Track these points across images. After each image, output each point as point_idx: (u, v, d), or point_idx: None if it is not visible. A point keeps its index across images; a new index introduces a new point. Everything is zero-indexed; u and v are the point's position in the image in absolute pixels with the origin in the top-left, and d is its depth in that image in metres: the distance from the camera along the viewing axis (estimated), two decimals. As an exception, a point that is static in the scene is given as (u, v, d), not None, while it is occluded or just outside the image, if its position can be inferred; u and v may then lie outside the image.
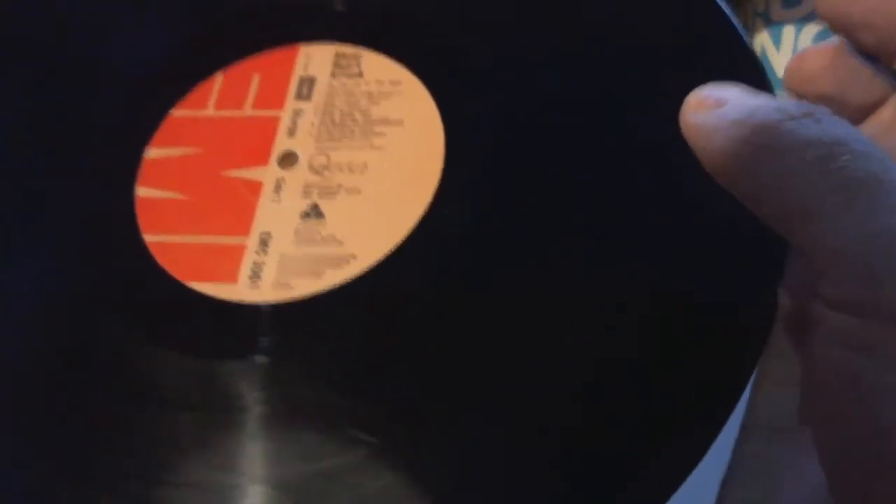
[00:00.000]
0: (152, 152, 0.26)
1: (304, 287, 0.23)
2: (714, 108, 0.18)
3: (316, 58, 0.27)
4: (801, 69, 0.22)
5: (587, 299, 0.22)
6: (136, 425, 0.22)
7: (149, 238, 0.25)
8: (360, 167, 0.25)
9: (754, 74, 0.23)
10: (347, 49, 0.27)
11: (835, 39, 0.21)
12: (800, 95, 0.22)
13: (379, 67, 0.26)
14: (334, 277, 0.23)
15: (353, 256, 0.23)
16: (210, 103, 0.27)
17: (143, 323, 0.23)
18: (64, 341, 0.24)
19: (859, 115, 0.22)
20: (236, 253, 0.24)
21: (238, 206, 0.25)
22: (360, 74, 0.26)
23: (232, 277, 0.23)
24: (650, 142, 0.23)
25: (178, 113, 0.27)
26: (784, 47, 0.41)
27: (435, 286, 0.22)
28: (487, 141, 0.24)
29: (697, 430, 0.20)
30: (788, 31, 0.42)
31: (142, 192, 0.26)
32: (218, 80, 0.27)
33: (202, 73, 0.27)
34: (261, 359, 0.22)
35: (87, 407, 0.23)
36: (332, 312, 0.23)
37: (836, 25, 0.21)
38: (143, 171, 0.26)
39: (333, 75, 0.26)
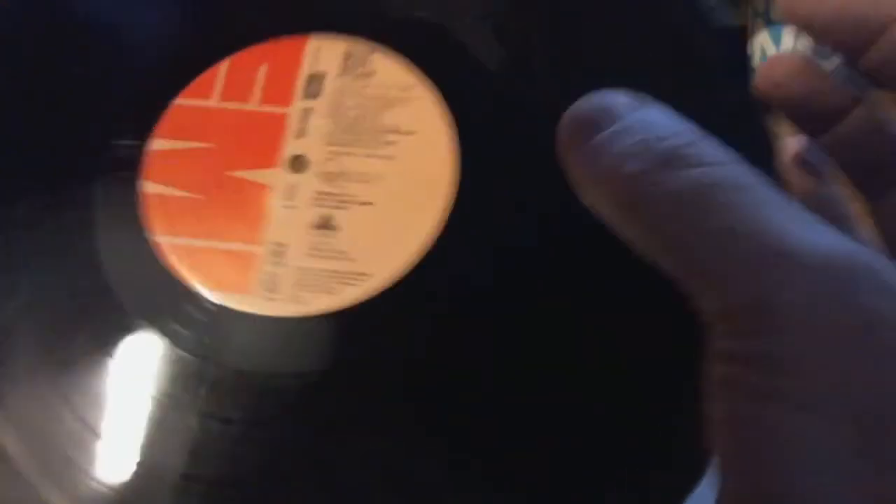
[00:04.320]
0: (157, 143, 0.26)
1: (318, 303, 0.23)
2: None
3: (325, 51, 0.26)
4: (771, 75, 0.22)
5: (609, 309, 0.22)
6: (143, 431, 0.23)
7: (159, 239, 0.25)
8: (372, 177, 0.25)
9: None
10: (359, 45, 0.26)
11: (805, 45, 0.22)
12: (769, 99, 0.22)
13: (391, 68, 0.26)
14: (347, 295, 0.23)
15: (365, 274, 0.24)
16: (215, 93, 0.26)
17: (149, 326, 0.24)
18: (68, 342, 0.24)
19: (827, 119, 0.22)
20: (249, 261, 0.24)
21: (248, 211, 0.25)
22: (371, 75, 0.26)
23: (243, 287, 0.24)
24: None
25: (183, 101, 0.26)
26: (784, 47, 0.41)
27: (447, 306, 0.23)
28: (501, 151, 0.24)
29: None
30: (789, 31, 0.42)
31: (149, 187, 0.25)
32: (223, 68, 0.27)
33: (208, 59, 0.27)
34: (275, 370, 0.23)
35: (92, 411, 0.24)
36: (348, 329, 0.23)
37: (799, 25, 0.21)
38: (149, 164, 0.26)
39: (342, 73, 0.26)
